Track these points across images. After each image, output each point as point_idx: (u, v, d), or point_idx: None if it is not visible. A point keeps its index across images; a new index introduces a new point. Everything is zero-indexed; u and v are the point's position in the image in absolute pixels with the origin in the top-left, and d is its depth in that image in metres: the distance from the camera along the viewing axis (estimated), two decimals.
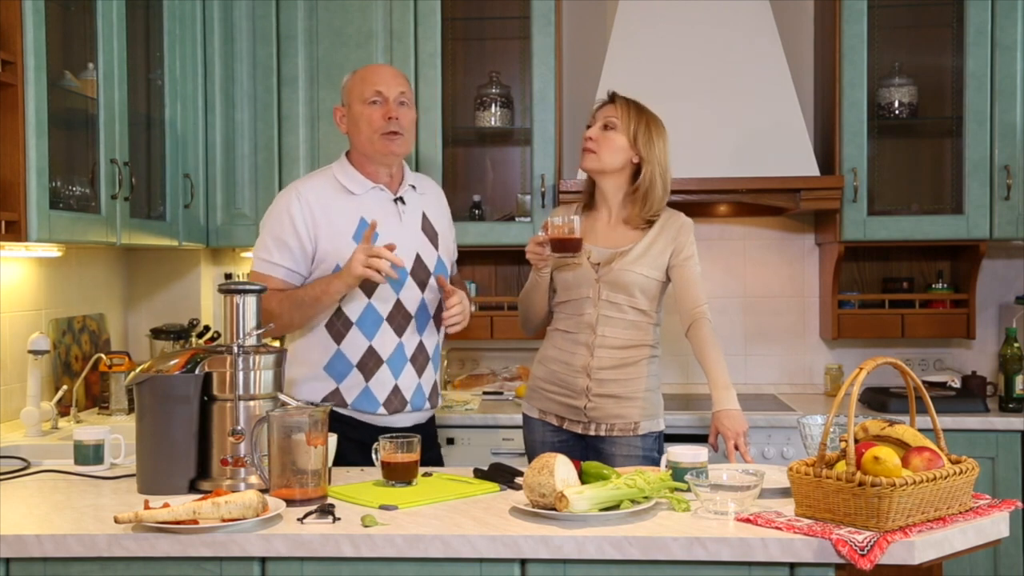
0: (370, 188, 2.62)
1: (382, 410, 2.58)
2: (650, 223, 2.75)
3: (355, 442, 2.48)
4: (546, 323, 2.86)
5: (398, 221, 2.63)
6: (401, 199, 2.65)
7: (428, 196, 2.76)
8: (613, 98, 2.77)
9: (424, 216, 2.70)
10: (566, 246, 2.56)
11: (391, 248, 2.43)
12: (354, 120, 2.61)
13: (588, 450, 2.73)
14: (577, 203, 2.86)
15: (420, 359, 2.64)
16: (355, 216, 2.58)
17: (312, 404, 2.14)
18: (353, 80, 2.65)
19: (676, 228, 2.74)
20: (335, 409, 2.49)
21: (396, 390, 2.59)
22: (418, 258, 2.63)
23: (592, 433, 2.72)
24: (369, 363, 2.56)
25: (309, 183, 2.63)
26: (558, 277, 2.75)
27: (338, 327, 2.57)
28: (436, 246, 2.70)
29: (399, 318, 2.59)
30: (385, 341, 2.57)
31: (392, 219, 2.61)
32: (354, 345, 2.56)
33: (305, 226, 2.54)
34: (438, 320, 2.64)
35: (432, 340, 2.68)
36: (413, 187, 2.70)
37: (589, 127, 2.76)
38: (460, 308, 2.59)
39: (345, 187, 2.61)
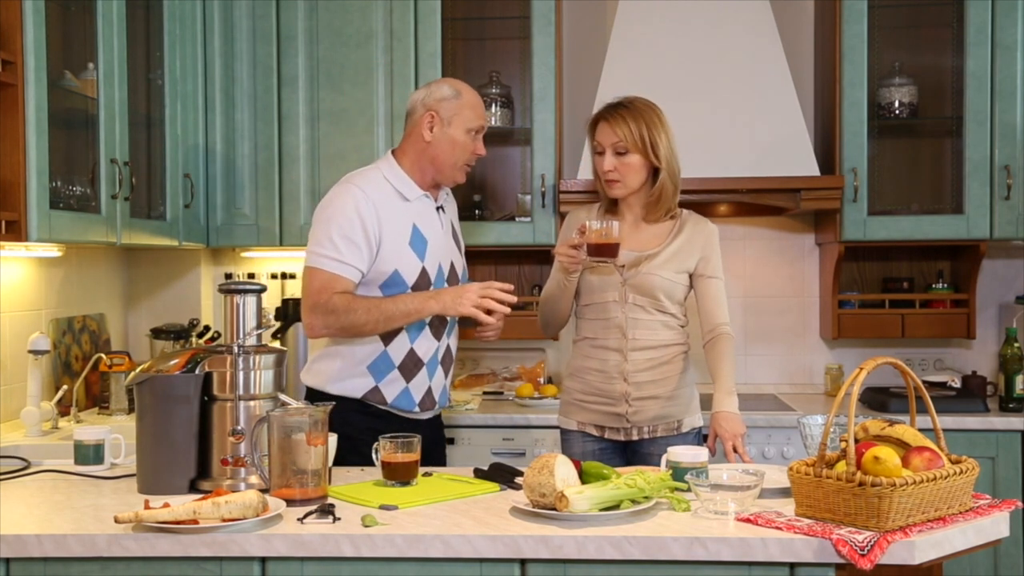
0: (420, 195, 2.63)
1: (416, 409, 2.63)
2: (671, 218, 2.74)
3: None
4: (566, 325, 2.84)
5: (440, 230, 2.67)
6: (441, 208, 2.70)
7: (452, 204, 2.82)
8: (599, 120, 2.70)
9: (452, 224, 2.77)
10: (604, 251, 2.53)
11: (507, 289, 2.49)
12: (452, 142, 2.60)
13: (630, 455, 2.73)
14: (599, 204, 2.82)
15: (447, 361, 2.71)
16: (408, 222, 2.58)
17: (310, 404, 2.14)
18: (462, 103, 2.62)
19: (704, 236, 2.73)
20: (373, 404, 2.56)
21: (429, 391, 2.65)
22: (451, 266, 2.69)
23: (635, 438, 2.71)
24: (409, 365, 2.60)
25: (369, 183, 2.58)
26: (582, 280, 2.72)
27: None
28: (461, 253, 2.78)
29: (437, 323, 2.63)
30: (425, 345, 2.61)
31: (436, 227, 2.65)
32: (399, 347, 2.59)
33: (374, 226, 2.52)
34: (462, 323, 2.68)
35: (455, 342, 2.76)
36: (446, 195, 2.76)
37: (600, 153, 2.68)
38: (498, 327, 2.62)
39: (399, 191, 2.60)
